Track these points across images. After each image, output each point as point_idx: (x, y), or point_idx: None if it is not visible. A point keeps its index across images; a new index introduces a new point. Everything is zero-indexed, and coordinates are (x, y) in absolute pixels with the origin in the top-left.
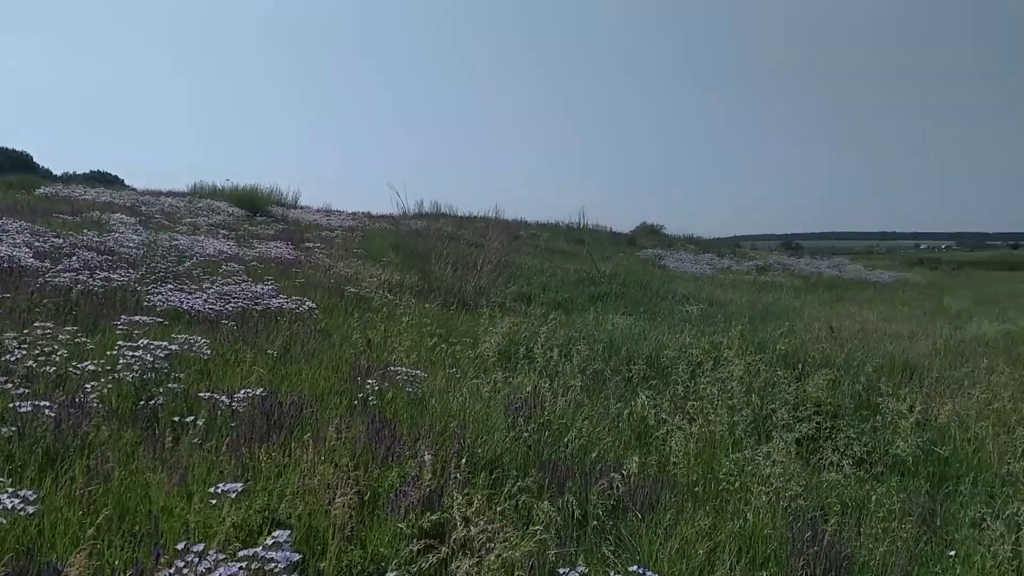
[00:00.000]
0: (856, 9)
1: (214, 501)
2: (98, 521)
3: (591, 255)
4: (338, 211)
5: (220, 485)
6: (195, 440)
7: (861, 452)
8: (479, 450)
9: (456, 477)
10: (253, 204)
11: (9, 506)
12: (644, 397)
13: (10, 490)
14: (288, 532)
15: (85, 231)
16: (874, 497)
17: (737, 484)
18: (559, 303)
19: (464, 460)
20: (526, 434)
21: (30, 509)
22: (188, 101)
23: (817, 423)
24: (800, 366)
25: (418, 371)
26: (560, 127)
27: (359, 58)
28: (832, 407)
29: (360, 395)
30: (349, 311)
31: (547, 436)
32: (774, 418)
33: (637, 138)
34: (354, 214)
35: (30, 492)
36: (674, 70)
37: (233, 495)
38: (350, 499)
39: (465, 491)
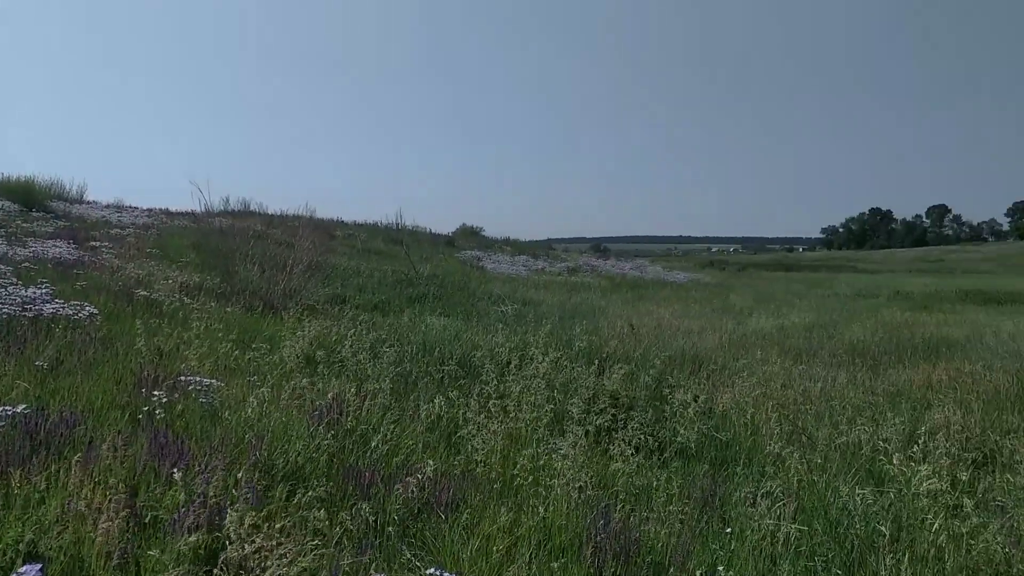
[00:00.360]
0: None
1: None
2: None
3: (409, 256)
4: (131, 207)
5: None
6: None
7: (652, 442)
8: (278, 461)
9: (246, 493)
10: (29, 198)
11: None
12: (444, 398)
13: None
14: (38, 567)
15: None
16: (656, 483)
17: (531, 479)
18: (375, 305)
19: (258, 474)
20: (327, 442)
21: None
22: None
23: (613, 415)
24: (600, 361)
25: (214, 380)
26: (384, 124)
27: (171, 42)
28: (628, 399)
29: (145, 408)
30: (137, 317)
31: (351, 442)
32: (572, 412)
33: (461, 140)
34: (150, 210)
35: None
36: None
37: None
38: (120, 523)
39: (262, 508)
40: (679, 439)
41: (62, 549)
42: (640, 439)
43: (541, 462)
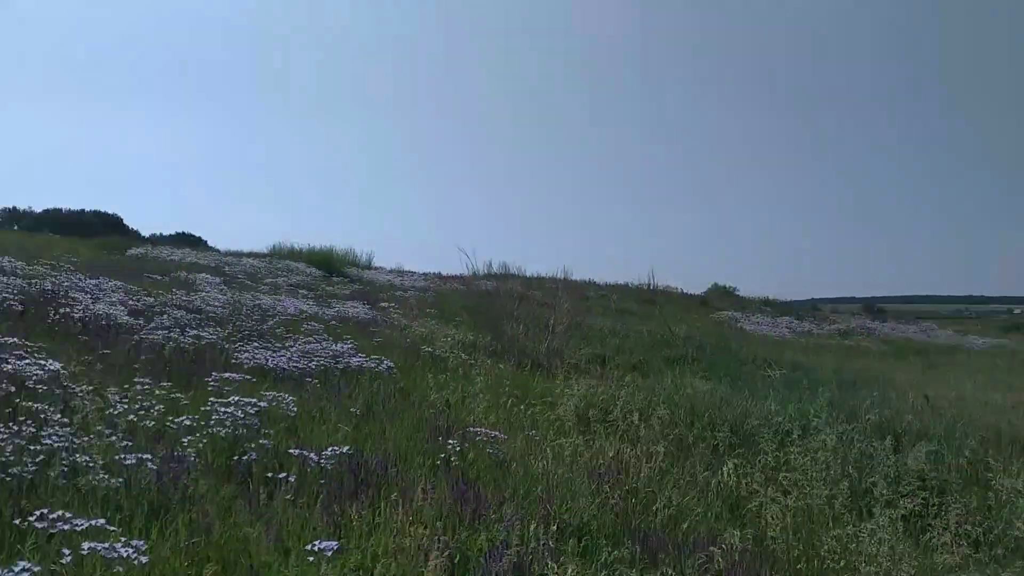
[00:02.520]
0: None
1: (311, 559)
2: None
3: (663, 316)
4: (410, 272)
5: (317, 543)
6: (288, 496)
7: (976, 532)
8: (565, 515)
9: (546, 544)
10: (329, 265)
11: (124, 555)
12: (731, 465)
13: (123, 539)
14: None
15: (174, 290)
16: None
17: (842, 563)
18: (634, 365)
19: (554, 526)
20: (612, 501)
21: (143, 559)
22: (264, 164)
23: (923, 499)
24: (896, 437)
25: (497, 432)
26: (628, 186)
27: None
28: (937, 482)
29: (442, 456)
30: (426, 370)
31: (634, 503)
32: (874, 492)
33: (705, 198)
34: (425, 275)
35: (140, 543)
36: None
37: (329, 553)
38: (442, 562)
39: (559, 560)
40: (1014, 532)
41: None
42: (966, 529)
43: (852, 545)
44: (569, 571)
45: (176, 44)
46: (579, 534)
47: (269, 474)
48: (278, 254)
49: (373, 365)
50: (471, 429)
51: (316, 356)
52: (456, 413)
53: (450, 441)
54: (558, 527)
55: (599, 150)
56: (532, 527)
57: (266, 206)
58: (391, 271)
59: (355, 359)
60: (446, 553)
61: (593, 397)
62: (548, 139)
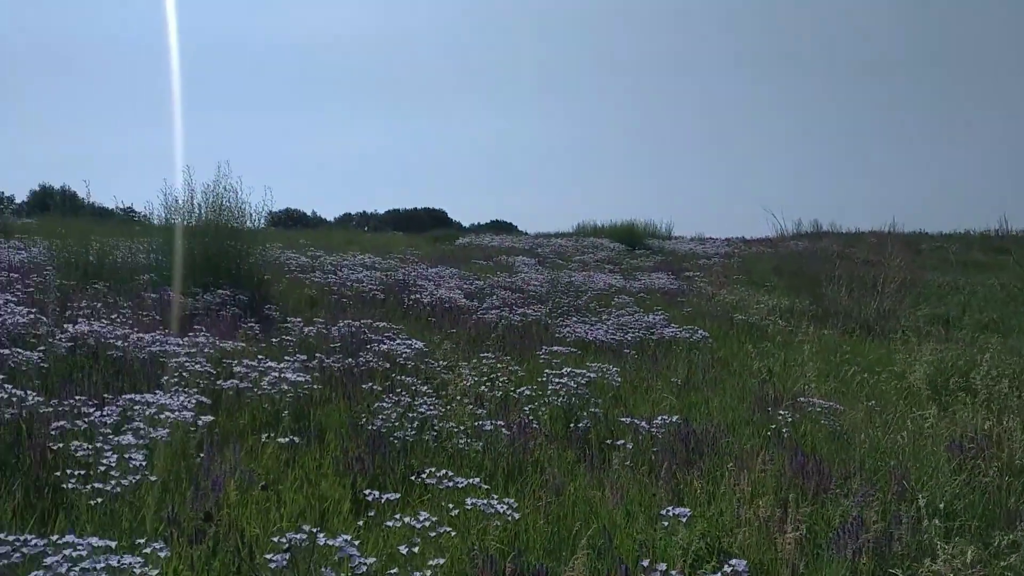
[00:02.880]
0: None
1: (666, 524)
2: (573, 532)
3: (1021, 266)
4: (711, 238)
5: (670, 508)
6: (626, 463)
7: None
8: (924, 493)
9: (903, 521)
10: (631, 238)
11: (500, 510)
12: None
13: (495, 497)
14: (744, 563)
15: (498, 273)
16: None
17: None
18: (985, 325)
19: (918, 503)
20: (986, 478)
21: (515, 515)
22: (566, 146)
23: None
24: None
25: (832, 403)
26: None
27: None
28: None
29: (772, 426)
30: (741, 339)
31: (1010, 481)
32: None
33: None
34: (728, 240)
35: (511, 500)
36: None
37: (684, 519)
38: (797, 535)
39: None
40: None
41: (742, 550)
42: None
43: None
44: (969, 554)
45: (457, 42)
46: (943, 514)
47: (608, 441)
48: (583, 232)
49: (687, 335)
50: (801, 399)
51: (630, 328)
52: (781, 382)
53: (780, 412)
54: (921, 505)
55: (926, 83)
56: (890, 503)
57: (567, 188)
58: (692, 239)
59: (668, 329)
60: (805, 526)
61: (946, 363)
62: (861, 73)
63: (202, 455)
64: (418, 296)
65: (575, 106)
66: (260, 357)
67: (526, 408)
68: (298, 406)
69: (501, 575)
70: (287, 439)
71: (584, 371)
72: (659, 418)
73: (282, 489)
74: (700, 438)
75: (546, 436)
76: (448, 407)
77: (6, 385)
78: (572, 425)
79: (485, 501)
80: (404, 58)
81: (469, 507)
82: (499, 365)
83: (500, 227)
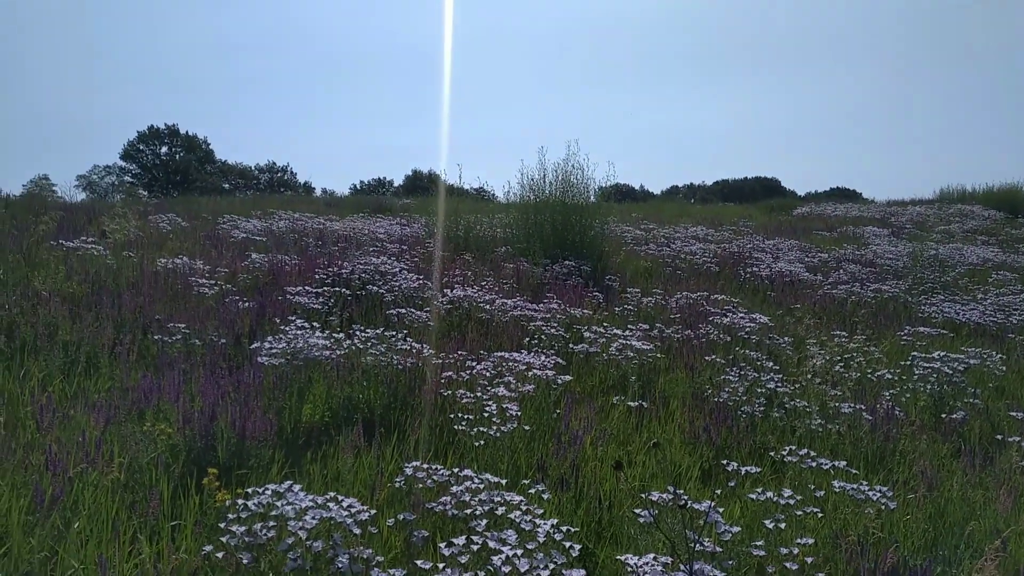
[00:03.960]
0: None
1: None
2: (965, 533)
3: None
4: None
5: None
6: (1021, 463)
7: None
8: None
9: None
10: (1012, 205)
11: (872, 498)
12: None
13: (866, 484)
14: None
15: (844, 245)
16: None
17: None
18: None
19: None
20: None
21: (891, 505)
22: (921, 106)
23: None
24: None
25: None
26: None
27: None
28: None
29: None
30: None
31: None
32: None
33: None
34: None
35: (884, 488)
36: None
37: None
38: None
39: None
40: None
41: None
42: None
43: None
44: None
45: (784, 5)
46: None
47: (993, 436)
48: (947, 198)
49: None
50: None
51: (1014, 309)
52: None
53: None
54: None
55: None
56: None
57: (925, 151)
58: None
59: None
60: None
61: None
62: None
63: (558, 411)
64: (755, 269)
65: (932, 57)
66: (605, 324)
67: (886, 393)
68: (642, 372)
69: (874, 565)
70: (636, 403)
71: (961, 356)
72: None
73: (632, 451)
74: None
75: (912, 425)
76: (797, 385)
77: (407, 339)
78: (944, 415)
79: (855, 486)
80: (729, 29)
81: (837, 490)
82: (852, 345)
83: (842, 195)
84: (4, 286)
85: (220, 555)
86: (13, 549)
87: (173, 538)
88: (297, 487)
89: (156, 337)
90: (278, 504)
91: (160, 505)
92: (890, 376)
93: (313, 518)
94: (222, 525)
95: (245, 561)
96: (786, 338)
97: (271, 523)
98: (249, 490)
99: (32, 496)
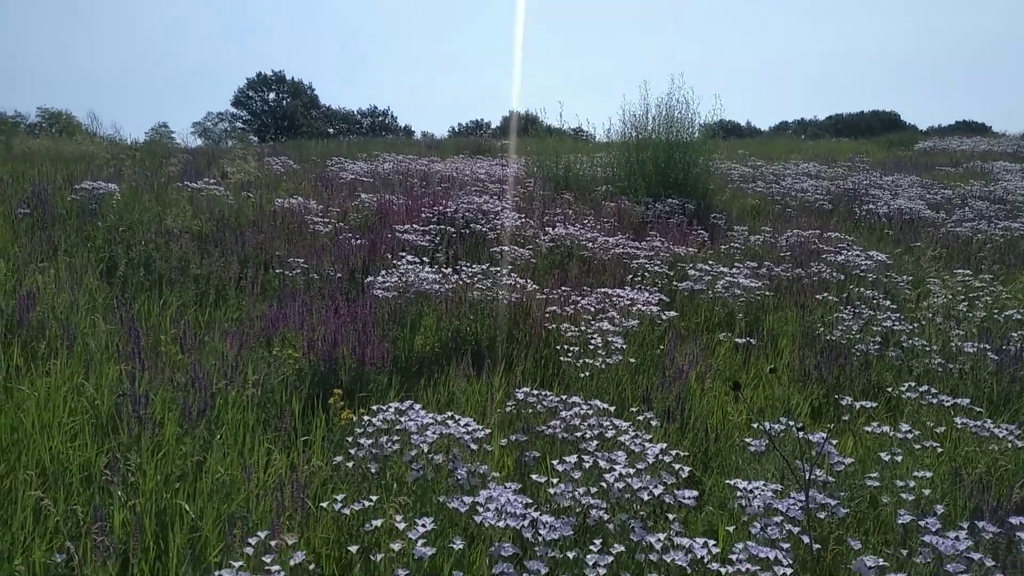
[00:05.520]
0: None
1: None
2: None
3: None
4: None
5: None
6: None
7: None
8: None
9: None
10: None
11: (999, 435)
12: None
13: (991, 420)
14: None
15: (971, 181)
16: None
17: None
18: None
19: None
20: None
21: (1019, 443)
22: None
23: None
24: None
25: None
26: None
27: None
28: None
29: None
30: None
31: None
32: None
33: None
34: None
35: (1011, 426)
36: None
37: None
38: None
39: None
40: None
41: None
42: None
43: None
44: None
45: None
46: None
47: None
48: None
49: None
50: None
51: None
52: None
53: None
54: None
55: None
56: None
57: None
58: None
59: None
60: None
61: None
62: None
63: (662, 347)
64: (871, 206)
65: None
66: (711, 263)
67: (1014, 334)
68: (749, 311)
69: (997, 502)
70: (743, 340)
71: None
72: None
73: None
74: None
75: None
76: (916, 324)
77: (512, 274)
78: None
79: (978, 423)
80: None
81: (959, 426)
82: (977, 284)
83: (969, 128)
84: (140, 224)
85: (350, 465)
86: (168, 454)
87: (304, 452)
88: (417, 406)
89: (277, 271)
90: (400, 420)
91: (292, 421)
92: (1019, 317)
93: (433, 433)
94: (349, 439)
95: (373, 470)
96: (905, 277)
97: (395, 437)
98: (373, 407)
99: (181, 410)
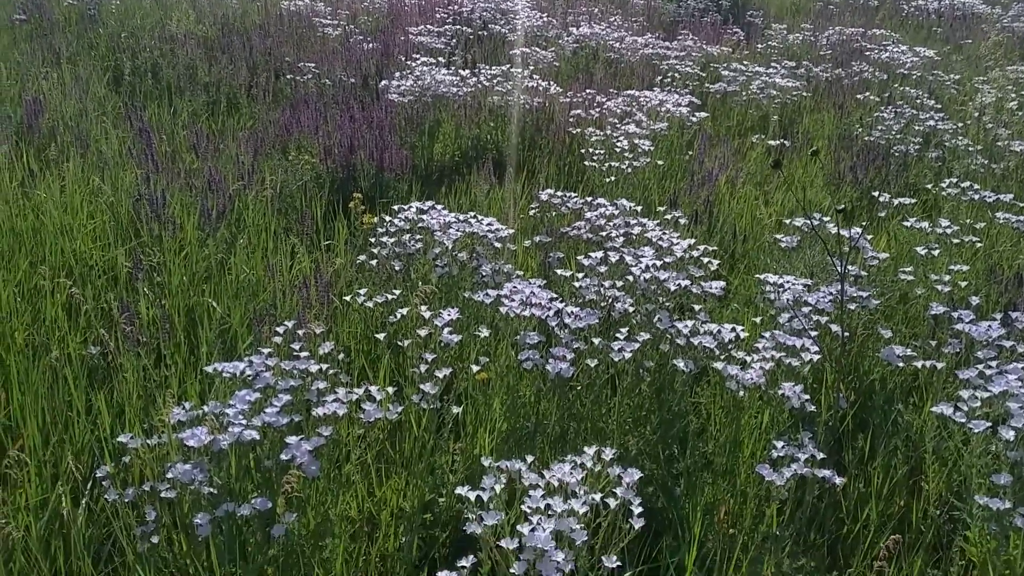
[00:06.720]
0: None
1: None
2: None
3: None
4: None
5: None
6: None
7: None
8: None
9: None
10: None
11: None
12: None
13: None
14: None
15: None
16: None
17: None
18: None
19: None
20: None
21: None
22: None
23: None
24: None
25: None
26: None
27: None
28: None
29: None
30: None
31: None
32: None
33: None
34: None
35: None
36: None
37: None
38: None
39: None
40: None
41: None
42: None
43: None
44: None
45: None
46: None
47: None
48: None
49: None
50: None
51: None
52: None
53: None
54: None
55: None
56: None
57: None
58: None
59: None
60: None
61: None
62: None
63: (691, 152)
64: (921, 2)
65: None
66: (745, 63)
67: None
68: (784, 113)
69: None
70: (777, 142)
71: None
72: None
73: (768, 191)
74: None
75: None
76: (960, 124)
77: (534, 76)
78: None
79: (1020, 218)
80: None
81: (1001, 221)
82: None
83: None
84: (143, 30)
85: (373, 263)
86: (190, 255)
87: (327, 254)
88: (440, 206)
89: (288, 77)
90: (423, 218)
91: (314, 224)
92: None
93: (457, 230)
94: (372, 240)
95: (397, 268)
96: (952, 75)
97: (418, 236)
98: (395, 207)
99: (199, 212)
